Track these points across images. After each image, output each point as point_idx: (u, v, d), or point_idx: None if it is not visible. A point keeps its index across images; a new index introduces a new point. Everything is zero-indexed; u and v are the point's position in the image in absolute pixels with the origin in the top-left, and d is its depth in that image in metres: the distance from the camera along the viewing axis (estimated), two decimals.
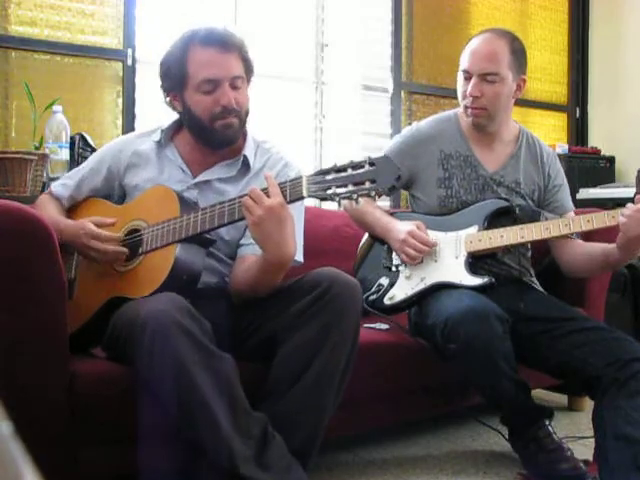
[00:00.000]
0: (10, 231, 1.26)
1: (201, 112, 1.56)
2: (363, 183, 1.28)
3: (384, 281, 1.89)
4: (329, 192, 1.30)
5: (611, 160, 3.98)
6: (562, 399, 2.43)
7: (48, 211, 1.66)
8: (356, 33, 3.54)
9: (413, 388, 1.90)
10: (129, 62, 2.86)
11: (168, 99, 1.64)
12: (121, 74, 2.86)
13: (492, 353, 1.61)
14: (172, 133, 1.69)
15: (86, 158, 2.01)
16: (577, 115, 4.35)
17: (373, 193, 1.29)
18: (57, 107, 2.26)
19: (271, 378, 1.45)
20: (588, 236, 1.91)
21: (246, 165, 1.66)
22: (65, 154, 2.23)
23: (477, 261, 1.84)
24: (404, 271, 1.87)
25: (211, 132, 1.58)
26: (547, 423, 1.75)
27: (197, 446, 1.29)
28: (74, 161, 2.23)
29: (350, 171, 1.30)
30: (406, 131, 2.05)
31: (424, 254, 1.82)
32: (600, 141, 4.16)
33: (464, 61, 1.89)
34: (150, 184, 1.62)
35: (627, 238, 1.66)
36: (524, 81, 1.93)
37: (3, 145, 2.57)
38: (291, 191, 1.35)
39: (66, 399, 1.35)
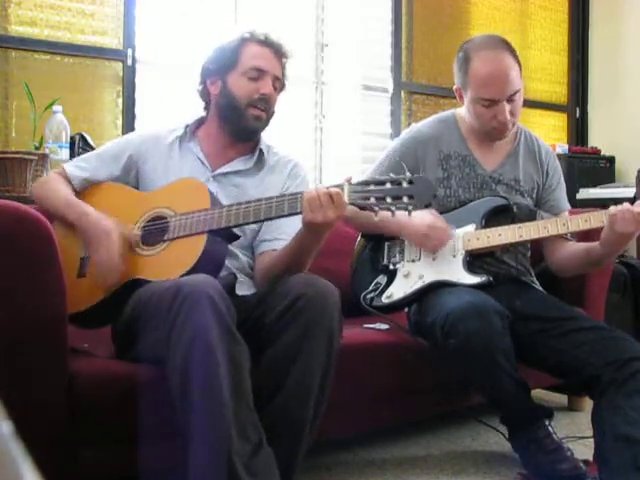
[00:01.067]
0: (10, 231, 1.26)
1: (241, 95, 1.67)
2: (401, 198, 1.36)
3: (381, 279, 1.89)
4: (369, 202, 1.38)
5: (611, 160, 3.98)
6: (562, 399, 2.43)
7: (62, 191, 1.65)
8: (356, 33, 3.54)
9: (413, 388, 1.90)
10: (129, 62, 2.86)
11: (202, 86, 1.74)
12: (121, 74, 2.86)
13: (492, 349, 1.61)
14: (195, 128, 1.78)
15: None
16: (577, 115, 4.35)
17: (410, 207, 1.36)
18: (57, 107, 2.26)
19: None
20: (585, 236, 1.91)
21: (261, 160, 1.76)
22: (65, 154, 2.23)
23: (475, 260, 1.84)
24: (402, 269, 1.87)
25: (242, 117, 1.68)
26: (547, 423, 1.75)
27: (192, 432, 1.24)
28: None
29: (389, 185, 1.38)
30: (405, 133, 2.04)
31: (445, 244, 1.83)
32: (600, 141, 4.16)
33: (481, 90, 1.82)
34: (169, 175, 1.66)
35: (612, 231, 1.66)
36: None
37: (3, 145, 2.57)
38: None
39: (66, 399, 1.35)
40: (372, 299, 1.86)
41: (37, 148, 2.24)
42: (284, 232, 1.65)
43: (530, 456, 1.74)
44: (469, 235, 1.83)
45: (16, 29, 2.64)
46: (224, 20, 3.12)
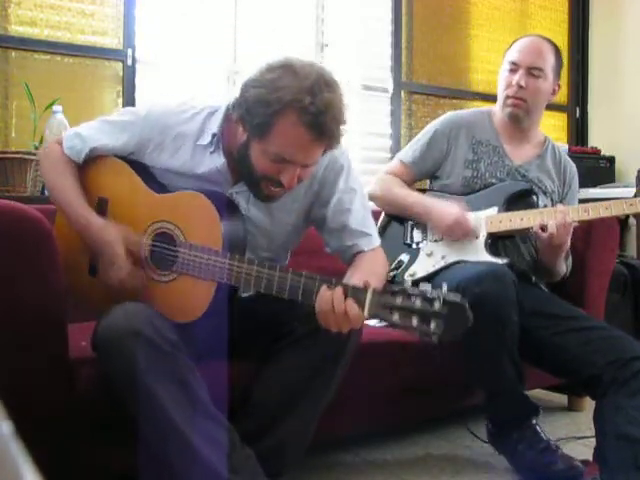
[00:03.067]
0: (10, 231, 1.26)
1: (259, 170, 1.40)
2: (429, 322, 1.17)
3: (404, 257, 1.94)
4: (391, 317, 1.20)
5: (611, 160, 3.98)
6: (562, 399, 2.43)
7: (69, 187, 1.49)
8: (356, 33, 3.54)
9: (413, 388, 1.90)
10: (129, 62, 2.86)
11: (235, 106, 1.41)
12: (121, 74, 2.86)
13: (503, 318, 1.62)
14: (220, 134, 1.49)
15: None
16: (577, 115, 4.35)
17: (435, 337, 1.17)
18: (57, 107, 2.26)
19: (256, 396, 1.45)
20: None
21: None
22: None
23: (496, 242, 1.89)
24: (425, 248, 1.93)
25: (255, 185, 1.45)
26: (534, 422, 1.75)
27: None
28: None
29: (418, 303, 1.18)
30: (443, 117, 2.14)
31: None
32: (600, 141, 4.15)
33: (512, 54, 2.01)
34: (183, 172, 1.49)
35: (550, 247, 1.83)
36: (559, 87, 2.06)
37: (3, 145, 2.57)
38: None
39: (66, 399, 1.35)
40: (395, 276, 1.90)
41: (37, 148, 2.24)
42: (353, 234, 1.52)
43: (519, 456, 1.73)
44: (492, 218, 1.88)
45: (16, 29, 2.64)
46: (224, 20, 3.12)
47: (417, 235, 1.96)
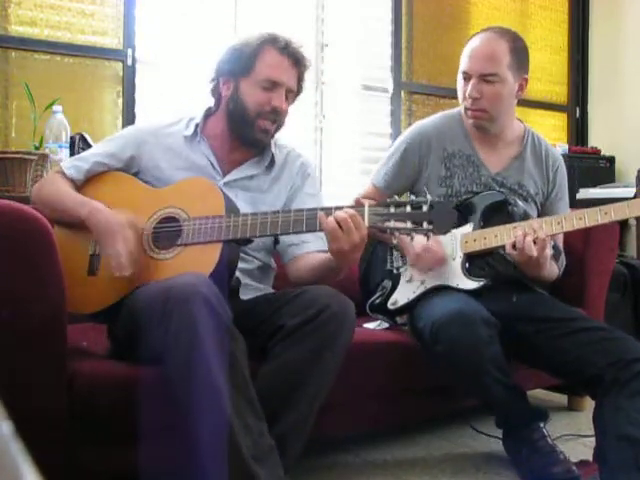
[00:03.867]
0: (10, 231, 1.26)
1: (251, 104, 1.63)
2: (421, 223, 1.35)
3: (387, 284, 1.90)
4: (387, 224, 1.37)
5: (611, 160, 3.98)
6: (562, 399, 2.43)
7: (67, 189, 1.61)
8: (356, 33, 3.54)
9: (413, 388, 1.90)
10: (129, 62, 2.86)
11: (214, 83, 1.70)
12: (121, 74, 2.86)
13: (477, 357, 1.61)
14: (202, 124, 1.72)
15: None
16: (577, 115, 4.35)
17: (430, 234, 1.36)
18: (57, 107, 2.25)
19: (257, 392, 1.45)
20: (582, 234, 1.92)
21: (272, 162, 1.73)
22: (65, 154, 2.23)
23: (477, 259, 1.83)
24: (405, 274, 1.87)
25: (250, 127, 1.64)
26: (542, 426, 1.74)
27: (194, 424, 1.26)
28: None
29: (409, 209, 1.36)
30: (410, 130, 2.04)
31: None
32: (600, 141, 4.16)
33: (463, 62, 1.88)
34: (176, 173, 1.62)
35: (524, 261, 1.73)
36: (526, 80, 1.91)
37: (3, 145, 2.57)
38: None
39: (66, 399, 1.35)
40: (379, 305, 1.87)
41: (37, 148, 2.24)
42: (305, 235, 1.63)
43: (524, 458, 1.73)
44: (467, 237, 1.81)
45: (16, 29, 2.64)
46: (224, 20, 3.12)
47: (397, 260, 1.90)
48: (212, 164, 1.68)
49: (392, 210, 1.37)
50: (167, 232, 1.51)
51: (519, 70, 1.88)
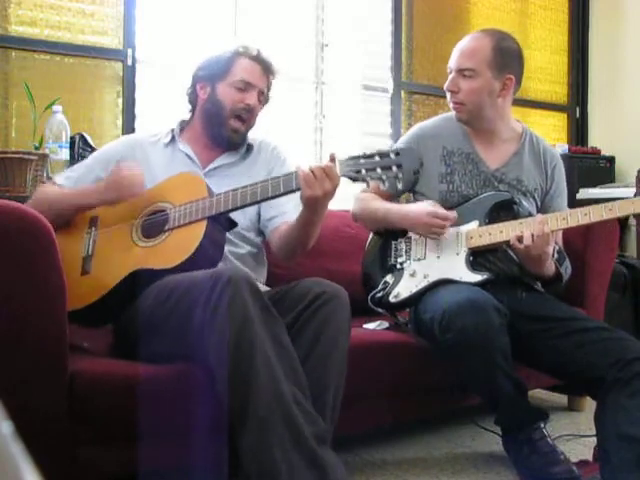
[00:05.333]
0: (10, 231, 1.26)
1: (227, 102, 1.80)
2: (390, 168, 1.45)
3: (389, 279, 1.91)
4: (360, 173, 1.47)
5: (611, 160, 3.98)
6: (562, 399, 2.43)
7: (63, 189, 1.74)
8: (356, 33, 3.54)
9: (413, 388, 1.90)
10: (129, 62, 2.86)
11: (192, 89, 1.86)
12: (121, 74, 2.86)
13: (488, 345, 1.61)
14: (179, 131, 1.88)
15: (85, 158, 2.01)
16: (577, 115, 4.35)
17: (400, 175, 1.45)
18: (57, 107, 2.25)
19: None
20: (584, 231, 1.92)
21: (248, 150, 1.89)
22: (65, 154, 2.23)
23: (479, 256, 1.84)
24: (408, 268, 1.88)
25: (223, 125, 1.80)
26: (542, 426, 1.74)
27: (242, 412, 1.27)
28: (74, 161, 2.23)
29: (377, 158, 1.47)
30: (410, 131, 2.08)
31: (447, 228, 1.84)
32: (600, 141, 4.16)
33: (450, 58, 1.97)
34: (159, 177, 1.71)
35: (529, 257, 1.77)
36: (511, 80, 1.91)
37: (3, 145, 2.57)
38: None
39: (66, 399, 1.35)
40: (380, 299, 1.88)
41: (37, 148, 2.24)
42: (285, 206, 1.76)
43: (524, 458, 1.73)
44: (472, 232, 1.84)
45: (16, 29, 2.64)
46: (224, 20, 3.12)
47: (400, 255, 1.92)
48: (191, 158, 1.82)
49: (362, 161, 1.47)
50: (154, 222, 1.61)
51: (501, 69, 1.90)
